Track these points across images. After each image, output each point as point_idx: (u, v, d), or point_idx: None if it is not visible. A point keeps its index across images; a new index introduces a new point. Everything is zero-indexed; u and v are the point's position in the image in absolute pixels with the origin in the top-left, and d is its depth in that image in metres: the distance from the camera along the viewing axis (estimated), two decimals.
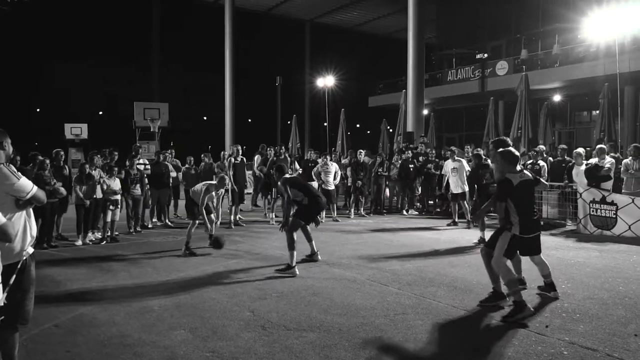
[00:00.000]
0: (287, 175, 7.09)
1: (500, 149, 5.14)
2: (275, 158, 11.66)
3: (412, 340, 4.14)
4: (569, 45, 21.18)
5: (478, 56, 24.45)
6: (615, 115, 13.42)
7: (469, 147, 12.44)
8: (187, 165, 12.08)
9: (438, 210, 12.95)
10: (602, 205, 9.17)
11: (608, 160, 9.67)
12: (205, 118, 48.46)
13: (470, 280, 6.01)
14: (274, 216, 11.29)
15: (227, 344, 4.07)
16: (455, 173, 10.47)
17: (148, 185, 10.55)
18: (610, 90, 13.51)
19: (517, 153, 5.07)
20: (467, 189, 10.38)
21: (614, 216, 9.01)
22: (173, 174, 11.45)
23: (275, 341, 4.13)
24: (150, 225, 10.66)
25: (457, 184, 10.47)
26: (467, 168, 10.44)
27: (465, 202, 10.50)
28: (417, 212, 13.02)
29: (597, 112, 15.17)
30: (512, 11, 24.87)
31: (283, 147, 12.40)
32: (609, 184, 9.61)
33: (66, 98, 38.37)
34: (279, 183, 7.02)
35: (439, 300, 5.23)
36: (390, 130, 20.67)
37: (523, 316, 4.52)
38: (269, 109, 34.61)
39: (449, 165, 10.77)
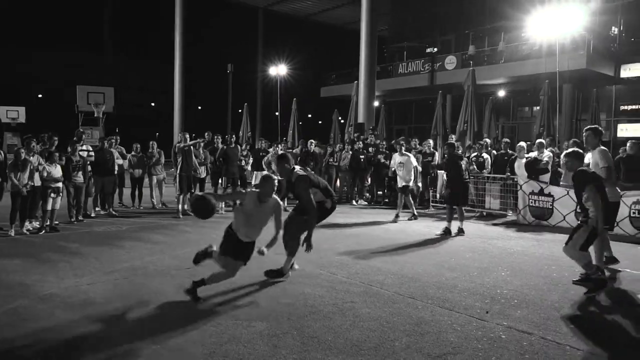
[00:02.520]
0: (300, 170, 5.55)
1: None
2: (225, 147, 11.50)
3: (358, 327, 4.21)
4: (514, 43, 21.97)
5: (428, 50, 24.97)
6: (554, 112, 14.08)
7: (415, 141, 12.74)
8: (133, 153, 11.73)
9: (387, 200, 13.20)
10: (540, 197, 9.64)
11: (546, 154, 10.16)
12: (153, 104, 47.08)
13: (417, 270, 6.18)
14: (223, 205, 11.14)
15: (175, 334, 4.01)
16: (402, 167, 10.44)
17: (91, 173, 10.17)
18: (550, 87, 14.15)
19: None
20: (412, 183, 10.52)
21: (551, 207, 9.50)
22: (119, 161, 11.09)
23: (224, 332, 4.10)
24: (93, 215, 10.29)
25: (403, 178, 10.50)
26: (414, 163, 10.57)
27: (409, 196, 10.65)
28: (366, 203, 13.22)
29: (538, 108, 15.86)
30: (461, 8, 25.49)
31: (234, 136, 12.23)
32: (547, 177, 10.12)
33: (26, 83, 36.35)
34: (296, 181, 5.43)
35: (386, 288, 5.35)
36: (342, 120, 20.82)
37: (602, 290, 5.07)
38: (220, 97, 34.05)
39: (396, 158, 10.80)
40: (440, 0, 25.85)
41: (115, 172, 10.79)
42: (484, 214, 11.12)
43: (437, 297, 5.06)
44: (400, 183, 10.55)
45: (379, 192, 13.60)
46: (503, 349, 3.81)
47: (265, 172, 6.29)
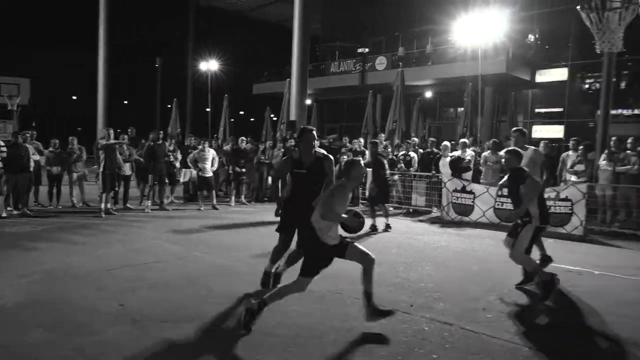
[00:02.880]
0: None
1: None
2: (151, 143, 11.10)
3: (287, 325, 4.22)
4: (441, 46, 22.85)
5: (359, 50, 25.40)
6: (476, 113, 14.81)
7: (346, 139, 12.95)
8: (50, 149, 11.04)
9: None
10: (462, 194, 10.11)
11: (469, 153, 10.69)
12: (74, 98, 44.57)
13: (345, 266, 6.27)
14: (149, 204, 10.77)
15: (93, 340, 3.82)
16: None
17: (3, 170, 9.47)
18: (473, 90, 14.86)
19: None
20: None
21: (472, 204, 9.99)
22: (35, 157, 10.40)
23: (147, 335, 3.96)
24: (4, 215, 9.57)
25: None
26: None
27: None
28: None
29: (462, 109, 16.62)
30: (391, 10, 26.14)
31: (161, 132, 11.85)
32: (469, 175, 10.63)
33: None
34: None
35: (315, 286, 5.39)
36: (274, 118, 20.75)
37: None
38: (147, 92, 32.83)
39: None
40: (371, 2, 26.40)
41: (31, 169, 10.11)
42: (411, 210, 11.50)
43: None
44: None
45: None
46: (425, 341, 3.97)
47: (348, 159, 6.03)
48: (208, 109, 21.72)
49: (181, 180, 12.75)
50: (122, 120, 23.99)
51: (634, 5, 9.46)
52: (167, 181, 11.54)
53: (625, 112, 20.81)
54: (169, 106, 20.89)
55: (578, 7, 10.19)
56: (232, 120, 19.97)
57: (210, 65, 24.68)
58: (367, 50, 25.58)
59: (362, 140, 13.63)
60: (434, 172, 11.13)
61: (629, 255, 7.54)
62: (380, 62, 23.85)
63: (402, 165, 11.68)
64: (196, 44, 34.62)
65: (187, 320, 4.27)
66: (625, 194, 9.23)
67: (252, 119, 42.24)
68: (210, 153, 11.56)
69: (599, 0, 9.76)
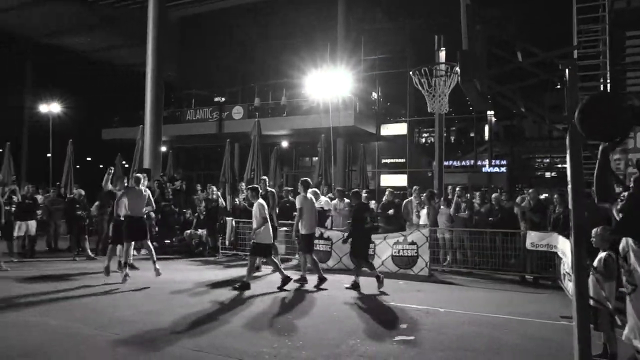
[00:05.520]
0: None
1: None
2: None
3: None
4: (295, 98, 23.99)
5: (216, 99, 25.50)
6: (329, 162, 15.67)
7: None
8: None
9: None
10: (319, 241, 10.44)
11: (323, 200, 11.19)
12: None
13: (210, 319, 6.05)
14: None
15: None
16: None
17: None
18: (326, 140, 15.76)
19: None
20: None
21: (329, 250, 10.38)
22: None
23: None
24: None
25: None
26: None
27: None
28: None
29: (317, 158, 17.47)
30: (245, 64, 26.88)
31: None
32: (328, 222, 11.08)
33: None
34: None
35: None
36: (127, 165, 19.62)
37: None
38: None
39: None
40: (226, 53, 26.89)
41: None
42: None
43: (226, 346, 5.02)
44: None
45: (166, 241, 13.02)
46: None
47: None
48: (49, 154, 19.82)
49: (15, 233, 11.24)
50: None
51: (454, 74, 11.02)
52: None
53: (455, 163, 23.78)
54: (0, 150, 18.60)
55: (410, 72, 11.57)
56: (78, 166, 18.40)
57: (51, 108, 22.73)
58: (223, 99, 25.76)
59: (214, 188, 13.54)
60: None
61: (468, 292, 8.45)
62: (237, 111, 24.17)
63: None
64: (35, 84, 31.69)
65: None
66: (459, 236, 10.40)
67: (101, 165, 39.29)
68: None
69: (427, 68, 11.21)
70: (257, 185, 9.48)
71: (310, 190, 9.05)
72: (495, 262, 9.67)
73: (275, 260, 8.61)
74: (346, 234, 8.98)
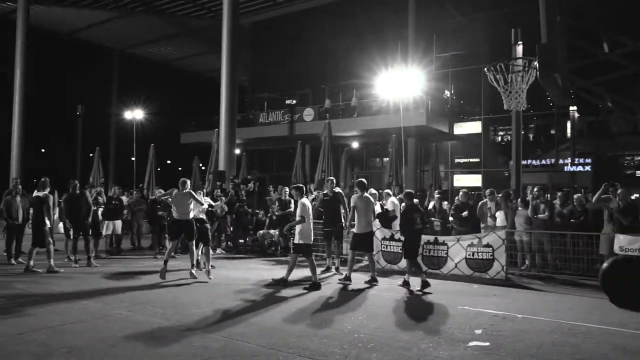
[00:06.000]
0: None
1: None
2: (67, 194, 10.47)
3: None
4: (365, 99, 23.92)
5: (287, 102, 25.95)
6: (400, 163, 15.46)
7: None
8: None
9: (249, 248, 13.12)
10: (391, 242, 10.34)
11: (390, 201, 11.03)
12: None
13: (277, 317, 6.17)
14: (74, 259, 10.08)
15: None
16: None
17: None
18: (397, 141, 15.56)
19: None
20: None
21: (400, 251, 10.22)
22: None
23: None
24: None
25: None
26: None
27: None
28: (225, 251, 12.92)
29: (387, 159, 17.30)
30: (316, 65, 27.14)
31: (77, 182, 11.00)
32: (396, 224, 10.90)
33: None
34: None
35: (248, 340, 5.25)
36: (203, 167, 20.48)
37: None
38: (68, 140, 31.38)
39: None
40: (297, 57, 27.31)
41: None
42: (341, 260, 11.54)
43: (298, 345, 5.09)
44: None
45: (240, 240, 13.43)
46: None
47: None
48: (133, 158, 21.10)
49: (104, 232, 12.09)
50: (41, 168, 22.68)
51: (532, 69, 10.46)
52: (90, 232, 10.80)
53: (534, 162, 22.63)
54: (91, 155, 20.06)
55: (485, 68, 11.13)
56: (159, 169, 19.46)
57: (135, 114, 24.18)
58: (294, 101, 26.15)
59: (287, 189, 13.72)
60: None
61: (548, 298, 8.01)
62: (308, 113, 24.47)
63: None
64: (120, 92, 33.91)
65: None
66: (538, 239, 9.88)
67: (179, 168, 41.33)
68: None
69: (503, 63, 10.72)
70: (301, 185, 9.53)
71: (368, 191, 9.38)
72: (579, 266, 9.10)
73: (313, 261, 8.42)
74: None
